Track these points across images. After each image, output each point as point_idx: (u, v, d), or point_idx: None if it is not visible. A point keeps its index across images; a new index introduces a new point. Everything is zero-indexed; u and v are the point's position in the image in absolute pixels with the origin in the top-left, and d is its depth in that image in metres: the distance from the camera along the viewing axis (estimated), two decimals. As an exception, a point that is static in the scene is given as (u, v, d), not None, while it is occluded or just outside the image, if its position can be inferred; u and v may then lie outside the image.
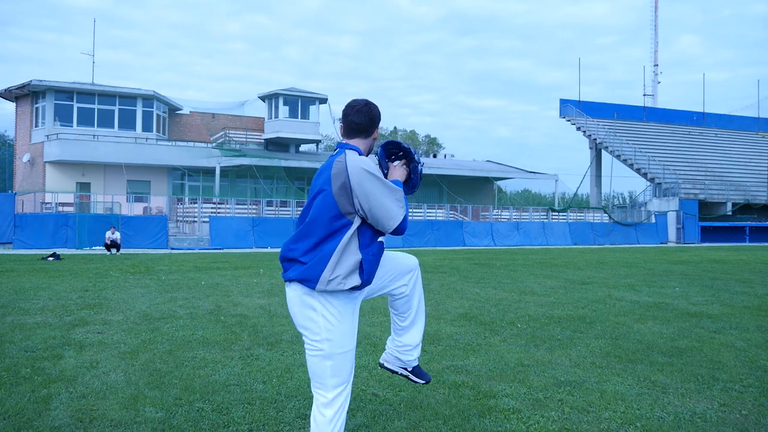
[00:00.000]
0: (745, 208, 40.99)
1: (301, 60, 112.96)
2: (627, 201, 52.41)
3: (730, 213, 39.96)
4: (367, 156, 2.87)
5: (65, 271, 13.15)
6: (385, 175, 2.96)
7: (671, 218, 37.47)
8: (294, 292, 2.72)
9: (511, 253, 23.07)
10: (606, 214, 37.33)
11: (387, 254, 3.07)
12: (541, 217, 35.67)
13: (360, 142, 2.83)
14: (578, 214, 37.14)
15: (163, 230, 24.22)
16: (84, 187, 29.85)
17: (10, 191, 30.25)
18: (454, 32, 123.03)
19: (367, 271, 2.68)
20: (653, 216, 37.36)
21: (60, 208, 25.37)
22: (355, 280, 2.65)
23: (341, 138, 2.91)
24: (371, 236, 2.72)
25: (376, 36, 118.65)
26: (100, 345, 5.74)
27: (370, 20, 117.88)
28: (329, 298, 2.67)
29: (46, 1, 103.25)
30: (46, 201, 26.77)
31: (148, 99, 32.60)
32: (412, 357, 3.25)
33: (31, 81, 29.68)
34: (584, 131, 45.90)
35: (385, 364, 3.34)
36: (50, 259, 16.65)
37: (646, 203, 40.30)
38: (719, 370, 4.98)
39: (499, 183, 46.29)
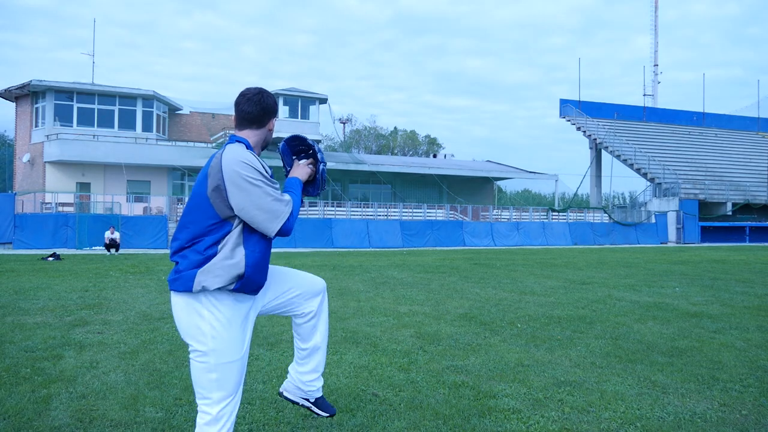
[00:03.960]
0: (745, 208, 40.98)
1: (301, 60, 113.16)
2: (627, 201, 52.47)
3: (730, 213, 39.95)
4: (262, 149, 2.72)
5: (65, 271, 13.15)
6: (288, 172, 2.86)
7: (671, 218, 37.46)
8: (178, 297, 2.53)
9: (511, 253, 23.06)
10: (606, 214, 37.32)
11: (291, 271, 2.94)
12: (541, 217, 35.66)
13: (251, 133, 2.65)
14: (578, 214, 37.14)
15: (163, 230, 24.23)
16: (84, 187, 29.82)
17: (10, 191, 30.24)
18: (451, 34, 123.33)
19: (248, 274, 2.50)
20: (653, 216, 37.35)
21: (60, 208, 25.36)
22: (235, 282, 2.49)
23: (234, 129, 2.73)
24: (258, 238, 2.54)
25: (380, 39, 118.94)
26: (100, 345, 5.73)
27: (372, 21, 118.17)
28: (215, 303, 2.49)
29: (46, 1, 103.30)
30: (46, 201, 26.76)
31: (148, 99, 32.58)
32: (314, 387, 3.09)
33: (31, 81, 29.65)
34: (584, 131, 45.91)
35: (285, 394, 3.14)
36: (50, 259, 16.64)
37: (646, 203, 40.30)
38: (719, 370, 4.97)
39: (499, 183, 46.29)
